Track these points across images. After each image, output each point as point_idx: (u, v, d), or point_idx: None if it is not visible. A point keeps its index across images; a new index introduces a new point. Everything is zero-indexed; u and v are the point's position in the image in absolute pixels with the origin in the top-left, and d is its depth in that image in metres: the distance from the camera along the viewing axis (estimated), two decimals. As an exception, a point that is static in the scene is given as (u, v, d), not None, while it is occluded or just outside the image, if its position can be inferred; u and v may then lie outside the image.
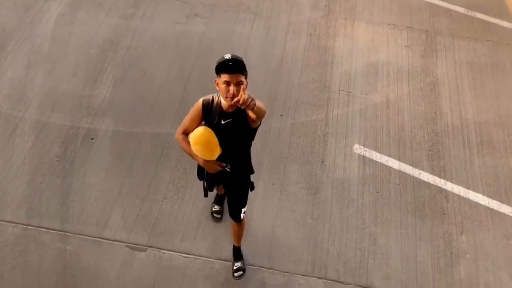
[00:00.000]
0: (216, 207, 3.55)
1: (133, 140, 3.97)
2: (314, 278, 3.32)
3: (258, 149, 3.96)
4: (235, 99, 2.25)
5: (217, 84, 2.47)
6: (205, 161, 2.62)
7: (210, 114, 2.59)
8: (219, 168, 2.68)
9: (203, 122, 2.64)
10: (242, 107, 2.23)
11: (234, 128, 2.57)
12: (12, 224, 3.46)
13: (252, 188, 3.01)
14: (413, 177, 3.85)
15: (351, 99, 4.34)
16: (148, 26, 4.84)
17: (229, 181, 2.95)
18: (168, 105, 4.22)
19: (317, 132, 4.11)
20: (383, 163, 3.93)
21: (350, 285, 3.30)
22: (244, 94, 2.18)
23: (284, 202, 3.69)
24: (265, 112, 2.47)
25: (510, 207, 3.70)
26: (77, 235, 3.43)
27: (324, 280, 3.31)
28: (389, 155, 3.97)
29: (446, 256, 3.45)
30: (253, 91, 4.31)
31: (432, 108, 4.32)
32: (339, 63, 4.62)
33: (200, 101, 2.63)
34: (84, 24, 4.82)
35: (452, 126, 4.19)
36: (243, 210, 3.01)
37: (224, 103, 2.53)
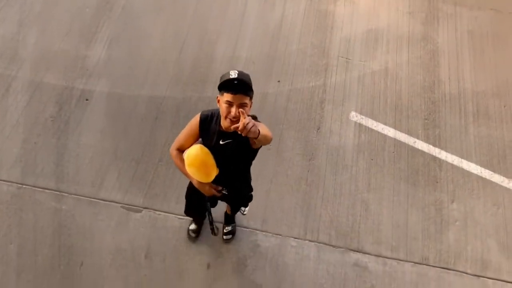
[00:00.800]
0: (193, 226, 3.34)
1: (128, 102, 3.94)
2: (306, 241, 3.38)
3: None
4: (234, 126, 1.98)
5: (218, 101, 2.22)
6: (200, 183, 2.41)
7: (208, 132, 2.35)
8: (214, 192, 2.48)
9: (200, 139, 2.42)
10: (242, 134, 1.96)
11: (234, 149, 2.34)
12: (7, 183, 3.47)
13: (249, 200, 3.02)
14: (408, 145, 3.87)
15: (350, 66, 4.29)
16: (144, -15, 4.70)
17: (226, 200, 2.89)
18: (164, 68, 4.15)
19: (314, 98, 4.09)
20: (379, 131, 3.93)
21: (341, 249, 3.37)
22: (245, 119, 1.93)
23: (279, 167, 3.71)
24: (271, 139, 2.24)
25: (502, 177, 3.74)
26: (72, 195, 3.46)
27: (316, 243, 3.38)
28: (385, 123, 3.97)
29: (436, 222, 3.52)
30: (251, 56, 4.28)
31: (430, 76, 4.28)
32: (339, 29, 4.53)
33: (198, 116, 2.37)
34: (78, -19, 4.67)
35: (450, 95, 4.17)
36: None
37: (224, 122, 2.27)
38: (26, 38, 4.23)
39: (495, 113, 4.09)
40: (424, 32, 4.58)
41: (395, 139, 3.89)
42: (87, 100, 3.91)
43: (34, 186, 3.48)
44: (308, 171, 3.70)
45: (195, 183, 2.44)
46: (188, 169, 2.33)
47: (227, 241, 3.33)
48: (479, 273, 3.33)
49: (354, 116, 4.00)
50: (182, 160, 2.38)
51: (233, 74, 2.13)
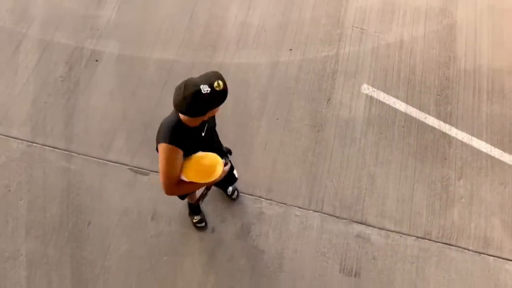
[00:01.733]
0: (197, 217, 3.31)
1: (138, 65, 3.91)
2: (311, 211, 3.41)
3: (264, 83, 3.90)
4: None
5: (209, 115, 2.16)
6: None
7: (187, 140, 2.23)
8: (227, 170, 2.42)
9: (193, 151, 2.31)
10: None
11: (212, 130, 2.48)
12: (18, 141, 3.51)
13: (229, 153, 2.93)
14: (419, 120, 3.83)
15: (364, 37, 4.20)
16: None
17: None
18: (174, 31, 4.09)
19: (326, 69, 4.02)
20: (390, 104, 3.88)
21: (345, 220, 3.40)
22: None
23: (287, 137, 3.70)
24: None
25: (511, 156, 3.70)
26: (81, 156, 3.49)
27: (320, 213, 3.41)
28: (397, 97, 3.91)
29: (441, 199, 3.52)
30: (263, 23, 4.19)
31: (446, 52, 4.18)
32: (355, -2, 4.41)
33: (168, 146, 2.17)
34: None
35: (465, 72, 4.08)
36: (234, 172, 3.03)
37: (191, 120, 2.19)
38: (37, -5, 4.18)
39: (510, 91, 4.01)
40: (443, 5, 4.43)
41: (406, 114, 3.85)
42: (96, 61, 3.89)
43: (44, 145, 3.51)
44: (316, 142, 3.69)
45: (216, 181, 2.37)
46: (207, 181, 2.27)
47: (235, 199, 3.37)
48: (480, 250, 3.35)
49: (366, 89, 3.94)
50: (186, 183, 2.27)
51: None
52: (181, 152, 2.19)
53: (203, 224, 3.31)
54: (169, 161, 2.18)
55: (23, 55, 3.86)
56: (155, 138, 3.53)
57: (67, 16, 4.08)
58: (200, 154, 2.29)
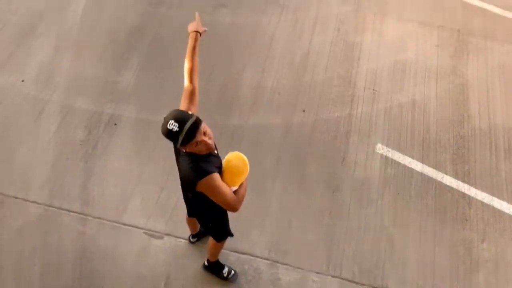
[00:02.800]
0: (225, 271, 3.30)
1: (155, 128, 3.96)
2: (329, 277, 3.30)
3: (278, 144, 3.93)
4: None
5: (194, 146, 2.23)
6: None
7: (210, 163, 2.36)
8: None
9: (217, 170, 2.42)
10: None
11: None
12: (35, 204, 3.55)
13: None
14: (436, 180, 3.77)
15: (376, 98, 4.26)
16: (175, 14, 4.83)
17: None
18: (191, 94, 4.22)
19: (339, 129, 4.06)
20: (406, 164, 3.85)
21: (364, 286, 3.27)
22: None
23: (302, 198, 3.66)
24: None
25: (535, 217, 3.58)
26: (96, 219, 3.50)
27: (338, 279, 3.29)
28: (412, 157, 3.89)
29: (465, 263, 3.38)
30: (277, 85, 4.30)
31: (459, 110, 4.20)
32: (366, 60, 4.53)
33: (212, 175, 2.30)
34: (113, 10, 4.85)
35: (480, 130, 4.07)
36: None
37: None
38: (61, 63, 4.40)
39: (528, 150, 3.95)
40: (453, 65, 4.52)
41: (422, 174, 3.80)
42: (115, 124, 4.00)
43: (60, 208, 3.54)
44: (331, 204, 3.64)
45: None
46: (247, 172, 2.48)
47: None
48: (511, 320, 3.16)
49: (380, 149, 3.94)
50: (239, 188, 2.47)
51: (171, 126, 2.20)
52: (218, 175, 2.34)
53: (233, 272, 3.27)
54: (219, 187, 2.34)
55: (45, 120, 4.00)
56: (169, 200, 3.57)
57: (89, 82, 4.27)
58: (225, 164, 2.45)
